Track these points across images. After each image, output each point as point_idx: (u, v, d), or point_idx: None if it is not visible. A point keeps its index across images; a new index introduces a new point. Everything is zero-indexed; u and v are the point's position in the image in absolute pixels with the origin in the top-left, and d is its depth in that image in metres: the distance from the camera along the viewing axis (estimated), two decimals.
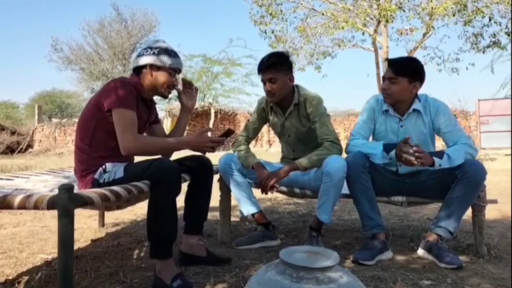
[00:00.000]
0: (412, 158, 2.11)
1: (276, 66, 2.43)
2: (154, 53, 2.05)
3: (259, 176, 2.43)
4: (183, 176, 2.08)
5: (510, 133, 10.35)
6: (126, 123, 1.89)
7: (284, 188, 2.53)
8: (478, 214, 2.33)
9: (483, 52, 12.36)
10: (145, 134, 2.21)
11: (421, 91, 2.39)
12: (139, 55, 2.09)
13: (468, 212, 2.29)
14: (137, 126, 1.95)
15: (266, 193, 2.43)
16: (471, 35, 12.20)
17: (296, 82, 2.57)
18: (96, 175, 1.95)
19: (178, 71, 2.14)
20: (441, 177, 2.26)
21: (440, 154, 2.18)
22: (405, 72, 2.29)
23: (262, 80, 2.49)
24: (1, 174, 2.63)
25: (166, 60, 2.05)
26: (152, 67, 2.05)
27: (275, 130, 2.72)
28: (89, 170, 1.97)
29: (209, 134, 2.12)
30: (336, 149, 2.41)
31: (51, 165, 8.30)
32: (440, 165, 2.16)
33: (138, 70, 2.09)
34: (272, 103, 2.59)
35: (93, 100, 1.99)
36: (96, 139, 1.97)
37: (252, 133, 2.72)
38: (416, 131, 2.36)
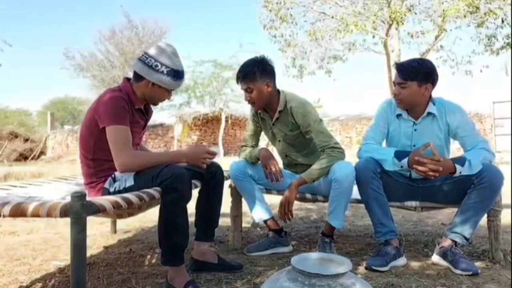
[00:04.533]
0: (424, 169, 2.08)
1: (249, 76, 2.39)
2: (162, 72, 1.97)
3: (261, 161, 2.46)
4: (194, 182, 2.07)
5: None
6: (119, 140, 1.86)
7: None
8: (493, 219, 2.29)
9: (497, 54, 12.23)
10: (143, 138, 2.21)
11: (435, 93, 2.36)
12: (146, 64, 1.98)
13: (483, 217, 2.25)
14: (134, 133, 1.96)
15: (285, 222, 2.44)
16: (484, 37, 12.10)
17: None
18: (106, 185, 1.95)
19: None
20: (457, 182, 2.22)
21: (461, 161, 2.13)
22: (413, 75, 2.25)
23: (242, 90, 2.47)
24: (14, 182, 2.66)
25: (170, 82, 1.99)
26: (154, 84, 2.00)
27: (267, 136, 2.71)
28: (98, 181, 1.98)
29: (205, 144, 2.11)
30: (339, 153, 2.38)
31: (64, 172, 8.39)
32: (460, 173, 2.12)
33: (137, 76, 2.02)
34: (260, 110, 2.58)
35: (89, 116, 1.95)
36: (98, 154, 1.96)
37: (252, 142, 2.71)
38: (431, 135, 2.32)
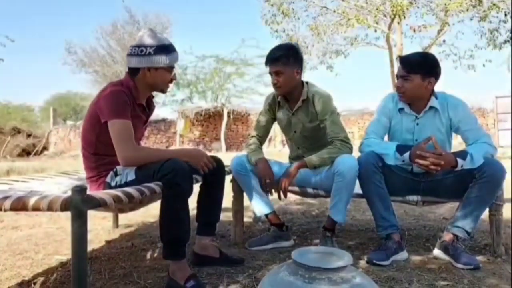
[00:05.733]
0: (426, 163, 2.08)
1: (282, 59, 2.40)
2: (150, 53, 1.95)
3: (258, 172, 2.44)
4: (195, 177, 2.07)
5: None
6: (122, 134, 1.86)
7: (296, 188, 2.51)
8: (495, 213, 2.29)
9: (500, 48, 12.16)
10: (145, 133, 2.20)
11: (437, 88, 2.35)
12: (134, 55, 1.98)
13: (485, 211, 2.25)
14: (136, 127, 1.95)
15: (280, 198, 2.42)
16: (487, 31, 12.02)
17: (308, 81, 2.55)
18: (108, 179, 1.96)
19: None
20: (458, 177, 2.21)
21: (462, 154, 2.13)
22: (417, 69, 2.25)
23: (270, 72, 2.47)
24: (17, 177, 2.66)
25: (163, 60, 1.97)
26: (150, 69, 1.98)
27: (281, 126, 2.69)
28: (100, 175, 1.98)
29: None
30: (346, 148, 2.38)
31: (66, 167, 8.41)
32: (462, 166, 2.12)
33: (133, 70, 2.01)
34: (280, 99, 2.57)
35: (91, 111, 1.96)
36: (100, 149, 1.97)
37: (263, 132, 2.70)
38: (433, 129, 2.32)
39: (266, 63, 2.47)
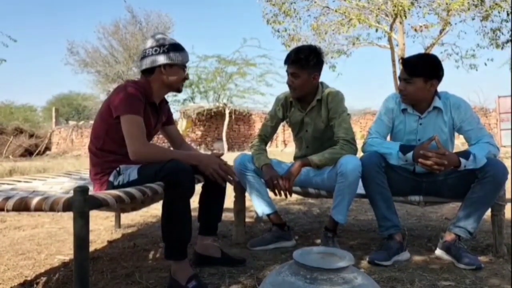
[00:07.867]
0: (429, 162, 2.08)
1: (301, 62, 2.38)
2: (164, 52, 2.03)
3: (264, 176, 2.41)
4: (197, 177, 2.07)
5: None
6: (134, 129, 1.88)
7: (298, 189, 2.51)
8: (497, 214, 2.28)
9: (502, 48, 12.12)
10: (154, 139, 2.22)
11: (439, 88, 2.34)
12: (147, 56, 2.05)
13: (487, 211, 2.24)
14: (145, 131, 1.96)
15: (281, 196, 2.40)
16: (489, 31, 11.99)
17: (322, 81, 2.55)
18: (111, 178, 1.97)
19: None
20: (461, 177, 2.21)
21: (465, 154, 2.13)
22: (420, 72, 2.24)
23: (287, 72, 2.46)
24: (19, 177, 2.67)
25: (178, 56, 2.05)
26: (165, 66, 2.04)
27: (292, 126, 2.67)
28: (104, 172, 1.99)
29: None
30: (350, 149, 2.37)
31: (68, 167, 8.43)
32: (465, 166, 2.11)
33: (148, 71, 2.07)
34: (293, 99, 2.57)
35: (104, 106, 2.00)
36: (107, 145, 1.99)
37: (270, 132, 2.68)
38: (436, 129, 2.32)
39: (285, 62, 2.45)
